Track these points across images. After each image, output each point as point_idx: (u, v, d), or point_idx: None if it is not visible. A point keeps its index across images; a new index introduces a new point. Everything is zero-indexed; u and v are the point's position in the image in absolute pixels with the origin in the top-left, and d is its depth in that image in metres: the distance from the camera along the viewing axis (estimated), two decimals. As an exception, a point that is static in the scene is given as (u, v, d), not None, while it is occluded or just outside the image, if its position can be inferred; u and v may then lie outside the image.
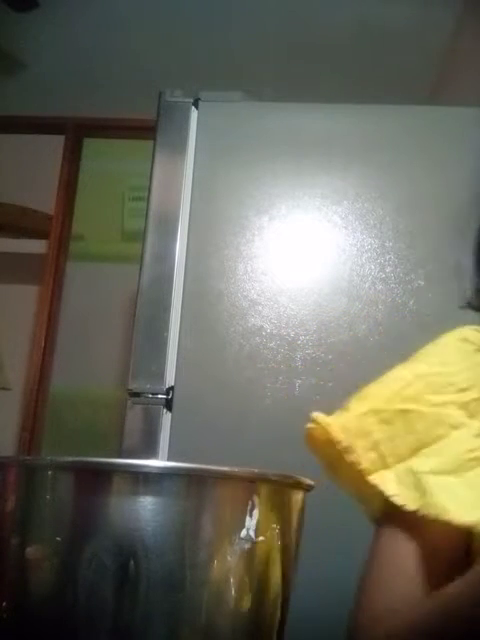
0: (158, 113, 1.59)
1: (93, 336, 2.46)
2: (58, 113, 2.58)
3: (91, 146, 2.71)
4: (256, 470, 0.41)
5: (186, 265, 1.48)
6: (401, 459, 0.65)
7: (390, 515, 0.65)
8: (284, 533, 0.42)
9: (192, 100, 1.59)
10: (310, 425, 0.70)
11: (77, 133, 2.68)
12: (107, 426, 2.30)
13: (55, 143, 2.66)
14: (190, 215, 1.51)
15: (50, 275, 2.51)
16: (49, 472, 0.39)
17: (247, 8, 2.19)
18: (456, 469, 0.63)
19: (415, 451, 0.65)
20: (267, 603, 0.41)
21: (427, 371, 0.69)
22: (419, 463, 0.64)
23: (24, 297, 2.55)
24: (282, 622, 0.43)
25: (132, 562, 0.37)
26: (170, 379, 1.42)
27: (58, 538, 0.38)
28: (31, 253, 2.54)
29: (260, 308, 1.45)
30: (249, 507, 0.40)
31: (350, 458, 0.67)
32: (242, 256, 1.49)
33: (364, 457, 0.66)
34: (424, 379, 0.69)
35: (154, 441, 1.39)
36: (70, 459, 0.40)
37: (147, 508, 0.38)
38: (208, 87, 1.63)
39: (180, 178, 1.54)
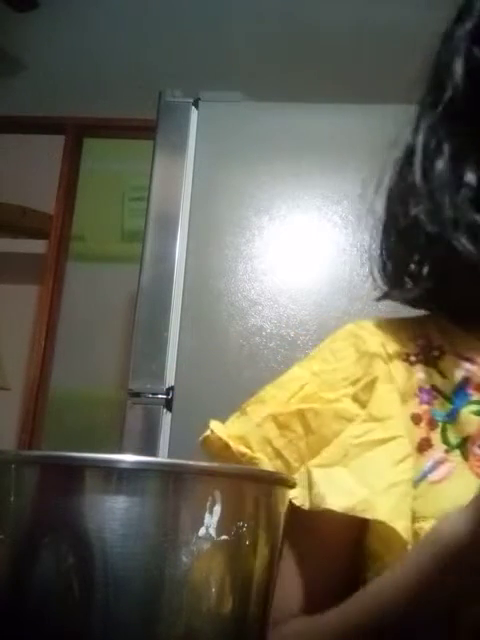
0: (158, 113, 1.59)
1: (93, 336, 2.46)
2: (58, 113, 2.58)
3: (91, 146, 2.71)
4: (216, 464, 0.38)
5: (186, 265, 1.48)
6: (305, 462, 0.64)
7: (289, 516, 0.64)
8: (255, 532, 0.40)
9: (192, 100, 1.59)
10: (207, 433, 0.68)
11: (77, 133, 2.68)
12: (107, 426, 2.30)
13: (55, 143, 2.65)
14: (190, 215, 1.51)
15: (50, 275, 2.51)
16: (13, 466, 0.39)
17: (247, 8, 2.19)
18: (342, 459, 0.61)
19: (317, 451, 0.64)
20: (236, 605, 0.39)
21: (322, 368, 0.68)
22: (314, 460, 0.63)
23: (24, 297, 2.55)
24: (259, 624, 0.41)
25: (92, 560, 0.36)
26: (170, 379, 1.42)
27: (20, 535, 0.38)
28: (31, 253, 2.53)
29: (260, 308, 1.45)
30: (209, 503, 0.38)
31: None
32: (242, 256, 1.49)
33: (270, 466, 0.65)
34: (319, 377, 0.67)
35: (154, 441, 1.39)
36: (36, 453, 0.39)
37: (105, 504, 0.37)
38: (208, 87, 1.63)
39: (180, 178, 1.54)
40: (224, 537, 0.38)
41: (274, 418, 0.66)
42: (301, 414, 0.65)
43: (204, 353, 1.43)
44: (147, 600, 0.37)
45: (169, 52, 2.33)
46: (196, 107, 1.59)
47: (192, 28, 2.28)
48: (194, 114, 1.58)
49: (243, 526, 0.39)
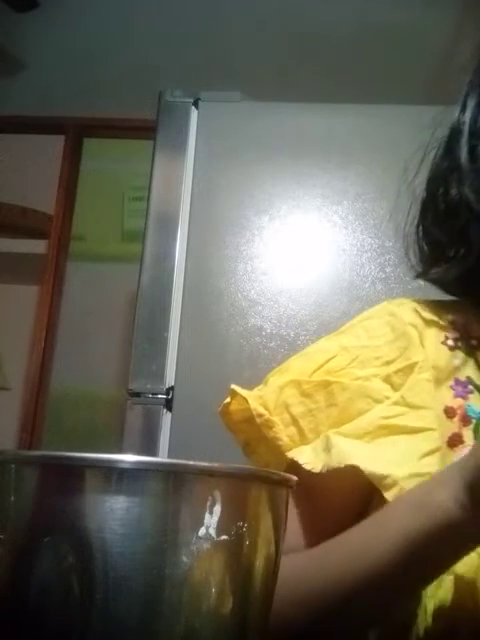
0: (158, 113, 1.59)
1: (93, 336, 2.46)
2: (58, 113, 2.58)
3: (91, 146, 2.71)
4: (217, 464, 0.38)
5: (186, 265, 1.48)
6: (320, 434, 0.63)
7: (298, 489, 0.64)
8: (255, 532, 0.39)
9: (192, 100, 1.59)
10: (227, 400, 0.67)
11: (77, 133, 2.68)
12: (107, 426, 2.30)
13: (55, 143, 2.66)
14: (190, 215, 1.51)
15: (50, 275, 2.51)
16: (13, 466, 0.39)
17: (247, 8, 2.19)
18: (365, 435, 0.60)
19: (336, 425, 0.62)
20: (236, 605, 0.39)
21: (354, 344, 0.66)
22: (334, 431, 0.62)
23: (24, 297, 2.55)
24: (259, 624, 0.41)
25: (92, 560, 0.36)
26: (170, 379, 1.42)
27: (20, 535, 0.38)
28: (31, 253, 2.54)
29: (260, 308, 1.45)
30: (209, 503, 0.37)
31: (270, 434, 0.64)
32: (242, 256, 1.49)
33: (284, 432, 0.63)
34: (350, 352, 0.66)
35: (154, 441, 1.39)
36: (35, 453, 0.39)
37: (105, 504, 0.36)
38: (208, 87, 1.63)
39: (180, 178, 1.54)
40: (224, 537, 0.38)
41: (297, 385, 0.64)
42: (327, 386, 0.64)
43: (204, 353, 1.43)
44: (147, 600, 0.37)
45: (169, 52, 2.33)
46: (196, 107, 1.59)
47: (192, 28, 2.28)
48: (194, 114, 1.58)
49: (243, 526, 0.39)
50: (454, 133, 0.70)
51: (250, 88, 1.62)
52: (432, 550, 0.49)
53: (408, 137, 1.63)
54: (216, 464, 0.38)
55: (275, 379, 0.67)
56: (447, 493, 0.48)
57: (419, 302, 0.70)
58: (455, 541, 0.48)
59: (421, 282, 0.74)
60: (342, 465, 0.57)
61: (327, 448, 0.59)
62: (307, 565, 0.57)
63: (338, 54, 2.30)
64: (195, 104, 1.59)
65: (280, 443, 0.64)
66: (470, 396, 0.64)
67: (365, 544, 0.53)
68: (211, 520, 0.37)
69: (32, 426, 2.40)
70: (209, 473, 0.38)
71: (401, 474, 0.57)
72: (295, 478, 0.43)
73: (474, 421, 0.62)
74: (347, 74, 2.31)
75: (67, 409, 2.44)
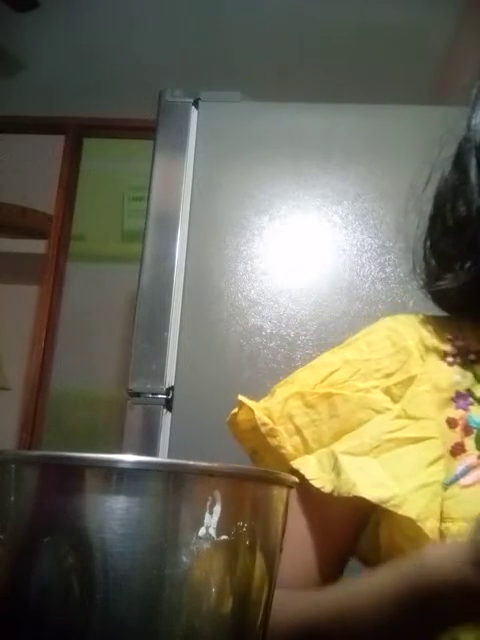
0: (158, 113, 1.59)
1: (93, 336, 2.46)
2: (58, 113, 2.59)
3: (91, 146, 2.72)
4: (217, 464, 0.38)
5: (186, 265, 1.48)
6: (324, 444, 0.65)
7: (299, 494, 0.64)
8: (255, 532, 0.40)
9: (192, 100, 1.59)
10: (235, 410, 0.70)
11: (77, 133, 2.69)
12: (107, 426, 2.30)
13: (55, 143, 2.66)
14: (190, 215, 1.51)
15: (50, 275, 2.51)
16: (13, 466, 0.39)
17: (247, 8, 2.19)
18: (372, 450, 0.63)
19: (338, 436, 0.65)
20: (236, 605, 0.39)
21: (356, 357, 0.69)
22: (338, 445, 0.64)
23: (24, 297, 2.56)
24: (259, 624, 0.41)
25: (92, 560, 0.36)
26: (170, 379, 1.42)
27: (20, 535, 0.38)
28: (31, 253, 2.54)
29: (260, 308, 1.45)
30: (209, 503, 0.38)
31: (274, 442, 0.66)
32: (242, 256, 1.49)
33: (288, 441, 0.66)
34: (352, 365, 0.68)
35: (154, 441, 1.39)
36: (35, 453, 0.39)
37: (105, 504, 0.36)
38: (208, 87, 1.63)
39: (180, 178, 1.54)
40: (224, 537, 0.38)
41: (301, 396, 0.67)
42: (329, 397, 0.66)
43: (204, 353, 1.43)
44: (147, 600, 0.37)
45: (169, 52, 2.33)
46: (196, 107, 1.59)
47: (192, 28, 2.28)
48: (194, 114, 1.58)
49: (243, 526, 0.39)
50: (462, 150, 0.71)
51: (250, 88, 1.62)
52: (417, 613, 0.50)
53: (408, 137, 1.63)
54: (216, 464, 0.38)
55: (281, 391, 0.69)
56: (449, 558, 0.48)
57: (420, 318, 0.72)
58: (440, 607, 0.49)
59: (422, 282, 0.74)
60: (351, 495, 0.59)
61: (336, 469, 0.61)
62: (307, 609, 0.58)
63: (338, 54, 2.30)
64: (195, 104, 1.59)
65: (284, 452, 0.66)
66: (471, 407, 0.65)
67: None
68: (211, 520, 0.37)
69: (32, 426, 2.40)
70: (209, 473, 0.38)
71: (406, 489, 0.59)
72: (295, 478, 0.44)
73: (475, 431, 0.64)
74: (347, 74, 2.31)
75: (67, 409, 2.44)
